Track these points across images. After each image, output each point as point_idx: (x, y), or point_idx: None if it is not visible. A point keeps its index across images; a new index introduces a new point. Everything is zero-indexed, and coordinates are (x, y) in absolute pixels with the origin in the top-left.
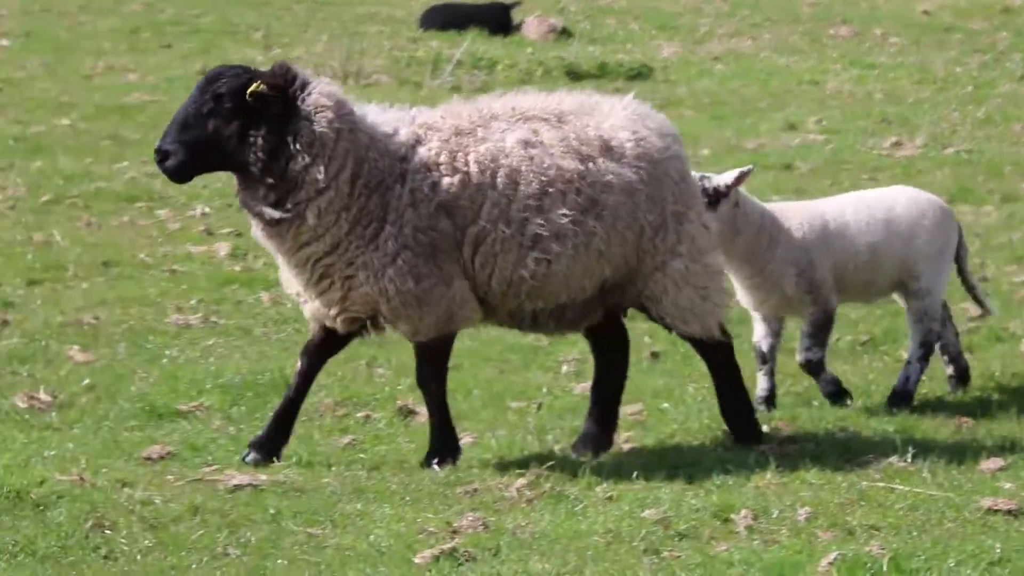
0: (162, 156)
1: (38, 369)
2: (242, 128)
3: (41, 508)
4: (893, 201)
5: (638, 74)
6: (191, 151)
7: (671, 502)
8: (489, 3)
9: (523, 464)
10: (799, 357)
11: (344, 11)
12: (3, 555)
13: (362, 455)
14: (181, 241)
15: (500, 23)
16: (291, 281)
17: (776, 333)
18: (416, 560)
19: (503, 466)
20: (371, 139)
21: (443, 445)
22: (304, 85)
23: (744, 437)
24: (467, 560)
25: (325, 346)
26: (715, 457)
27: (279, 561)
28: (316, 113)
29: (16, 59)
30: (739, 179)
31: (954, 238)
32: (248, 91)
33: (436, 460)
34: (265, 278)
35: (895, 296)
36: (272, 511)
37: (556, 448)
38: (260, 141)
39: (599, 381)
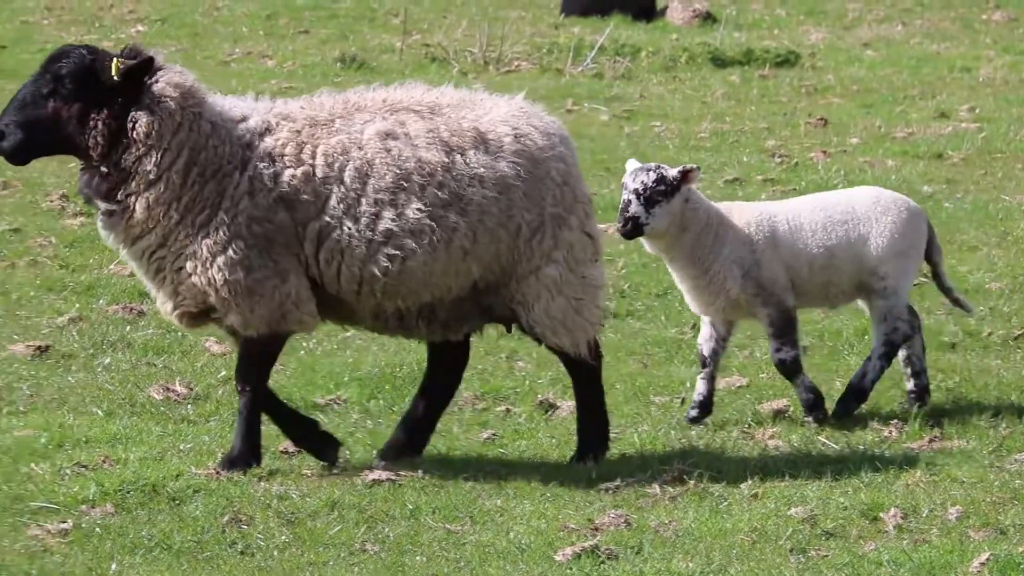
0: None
1: (174, 361)
2: (83, 111)
3: (177, 502)
4: (853, 202)
5: (784, 61)
6: (29, 131)
7: (818, 500)
8: None
9: (666, 460)
10: (772, 359)
11: None
12: (139, 549)
13: (502, 450)
14: None
15: (643, 8)
16: (139, 276)
17: (722, 338)
18: (557, 557)
19: (646, 462)
20: (213, 127)
21: (245, 451)
22: (155, 71)
23: (585, 455)
24: (609, 558)
25: None
26: (863, 454)
27: (417, 557)
28: (158, 103)
29: (152, 45)
30: (686, 174)
31: (922, 238)
32: (114, 69)
33: (228, 466)
34: None
35: (859, 302)
36: (411, 506)
37: (700, 444)
38: (100, 126)
39: (426, 391)
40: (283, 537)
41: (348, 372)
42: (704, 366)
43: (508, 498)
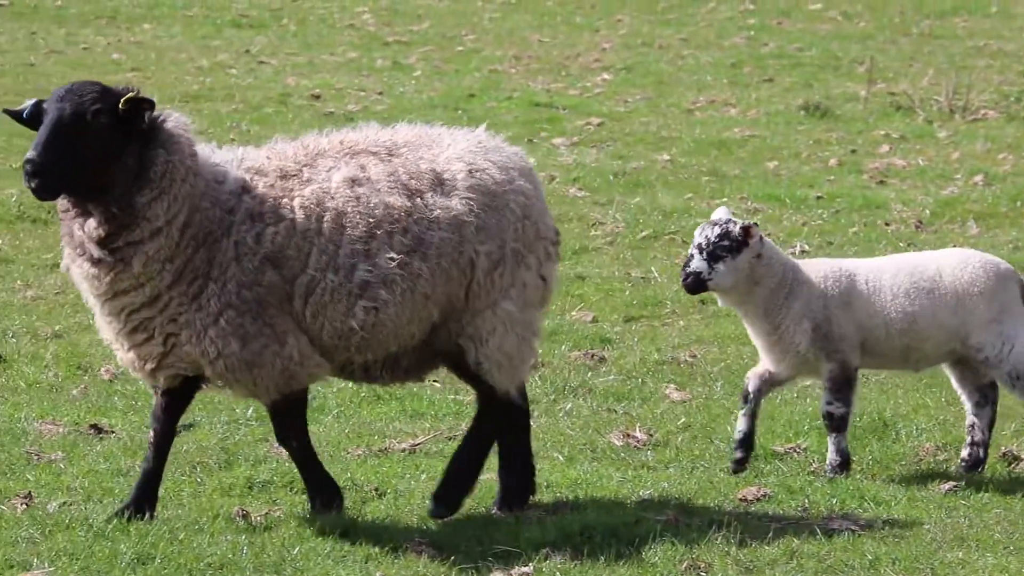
0: (36, 169)
1: (634, 407)
2: (107, 148)
3: (636, 548)
4: (940, 267)
5: None
6: (60, 169)
7: None
8: None
9: None
10: (822, 409)
11: (952, 45)
12: None
13: (963, 502)
14: None
15: None
16: (103, 327)
17: (775, 382)
18: None
19: None
20: (206, 186)
21: (322, 493)
22: (156, 111)
23: (443, 501)
24: None
25: (173, 408)
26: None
27: None
28: (173, 142)
29: (618, 93)
30: (746, 231)
31: (1014, 299)
32: (124, 99)
33: (324, 509)
34: None
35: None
36: (870, 557)
37: None
38: (131, 163)
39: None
40: None
41: (808, 420)
42: (746, 401)
43: (970, 550)
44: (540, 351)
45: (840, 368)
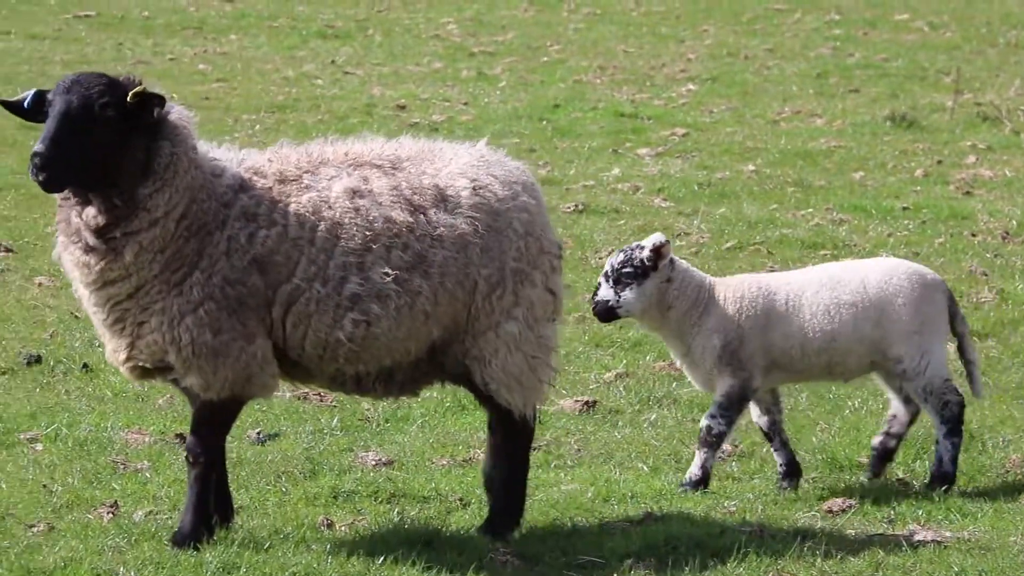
0: (44, 163)
1: None
2: (114, 139)
3: (721, 559)
4: (865, 279)
5: None
6: (68, 161)
7: None
8: None
9: None
10: (702, 420)
11: None
12: None
13: None
14: None
15: None
16: (92, 319)
17: (775, 407)
18: None
19: None
20: (204, 178)
21: (196, 525)
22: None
23: (497, 529)
24: None
25: None
26: None
27: None
28: (176, 134)
29: (703, 104)
30: (657, 252)
31: (939, 312)
32: (133, 92)
33: (179, 543)
34: None
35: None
36: (956, 569)
37: None
38: (139, 155)
39: (494, 453)
40: None
41: None
42: (770, 440)
43: None
44: (624, 361)
45: (740, 387)
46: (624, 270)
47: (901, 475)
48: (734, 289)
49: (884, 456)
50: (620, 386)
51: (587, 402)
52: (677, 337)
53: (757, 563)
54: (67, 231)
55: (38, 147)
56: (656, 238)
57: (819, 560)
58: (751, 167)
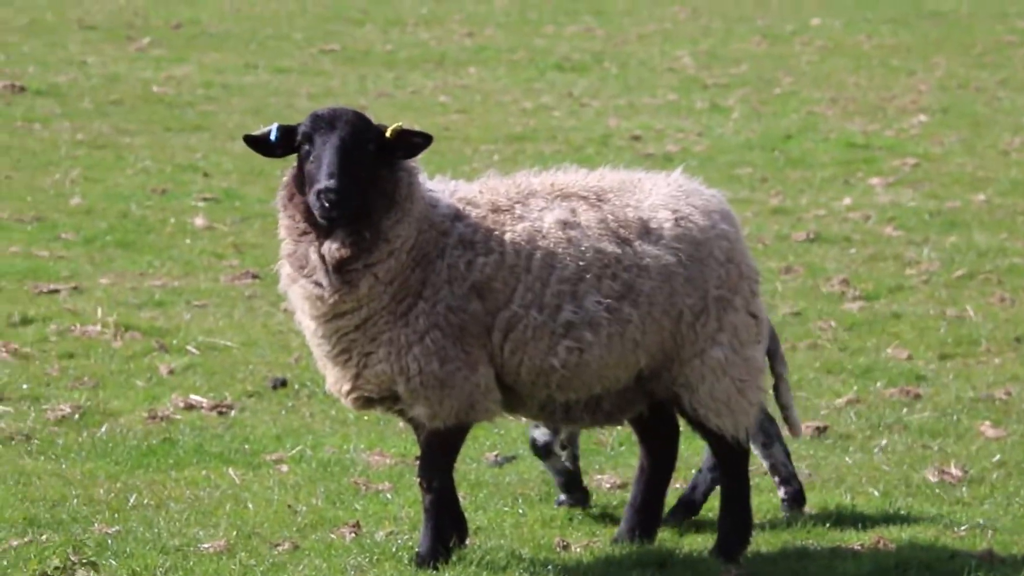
0: (338, 198)
1: (949, 444)
2: (376, 173)
3: None
4: None
5: None
6: (354, 195)
7: None
8: None
9: None
10: (529, 433)
11: None
12: None
13: None
14: None
15: None
16: (313, 349)
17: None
18: None
19: None
20: (425, 207)
21: (433, 550)
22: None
23: (727, 551)
24: None
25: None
26: None
27: None
28: (410, 165)
29: (934, 134)
30: None
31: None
32: (392, 128)
33: (418, 565)
34: None
35: None
36: None
37: None
38: (388, 188)
39: (645, 471)
40: None
41: None
42: (547, 456)
43: None
44: (855, 387)
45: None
46: None
47: None
48: None
49: (797, 497)
50: (851, 412)
51: (818, 427)
52: None
53: None
54: (296, 263)
55: (328, 183)
56: None
57: None
58: (981, 197)
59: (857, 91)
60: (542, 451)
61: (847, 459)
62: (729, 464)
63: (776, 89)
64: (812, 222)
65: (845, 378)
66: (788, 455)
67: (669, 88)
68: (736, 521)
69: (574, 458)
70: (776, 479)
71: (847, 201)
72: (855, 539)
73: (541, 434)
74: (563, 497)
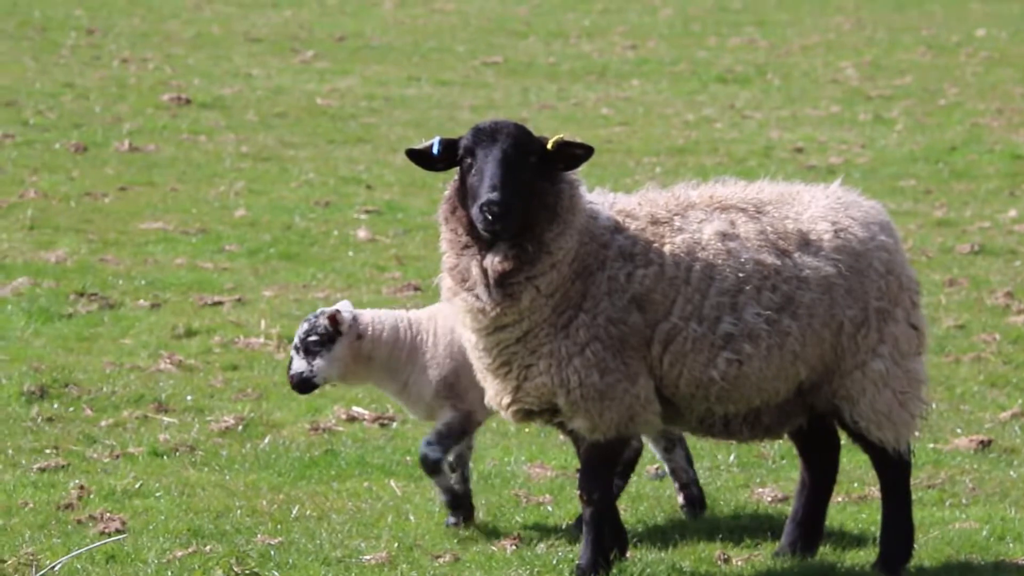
0: (503, 210)
1: None
2: (537, 185)
3: None
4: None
5: None
6: (518, 208)
7: None
8: None
9: None
10: (420, 449)
11: None
12: None
13: None
14: None
15: None
16: (473, 362)
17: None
18: None
19: None
20: (586, 220)
21: (593, 562)
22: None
23: (889, 566)
24: None
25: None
26: None
27: None
28: (571, 177)
29: None
30: (333, 321)
31: None
32: (554, 140)
33: (580, 572)
34: None
35: None
36: None
37: None
38: (550, 200)
39: (807, 485)
40: None
41: None
42: (452, 470)
43: None
44: (1019, 401)
45: (461, 419)
46: (311, 339)
47: None
48: (442, 320)
49: (696, 501)
50: (1016, 425)
51: (982, 441)
52: (390, 380)
53: None
54: (458, 277)
55: (492, 196)
56: (331, 309)
57: None
58: None
59: (1023, 102)
60: (431, 467)
61: (1011, 473)
62: (890, 477)
63: (941, 100)
64: (977, 234)
65: (1010, 391)
66: (690, 460)
67: (832, 100)
68: (899, 535)
69: (464, 479)
70: (676, 484)
71: (1012, 213)
72: (1019, 553)
73: (432, 451)
74: (451, 519)
